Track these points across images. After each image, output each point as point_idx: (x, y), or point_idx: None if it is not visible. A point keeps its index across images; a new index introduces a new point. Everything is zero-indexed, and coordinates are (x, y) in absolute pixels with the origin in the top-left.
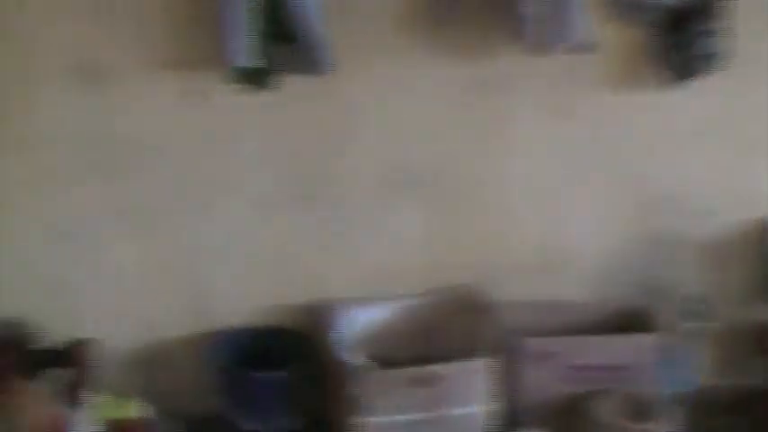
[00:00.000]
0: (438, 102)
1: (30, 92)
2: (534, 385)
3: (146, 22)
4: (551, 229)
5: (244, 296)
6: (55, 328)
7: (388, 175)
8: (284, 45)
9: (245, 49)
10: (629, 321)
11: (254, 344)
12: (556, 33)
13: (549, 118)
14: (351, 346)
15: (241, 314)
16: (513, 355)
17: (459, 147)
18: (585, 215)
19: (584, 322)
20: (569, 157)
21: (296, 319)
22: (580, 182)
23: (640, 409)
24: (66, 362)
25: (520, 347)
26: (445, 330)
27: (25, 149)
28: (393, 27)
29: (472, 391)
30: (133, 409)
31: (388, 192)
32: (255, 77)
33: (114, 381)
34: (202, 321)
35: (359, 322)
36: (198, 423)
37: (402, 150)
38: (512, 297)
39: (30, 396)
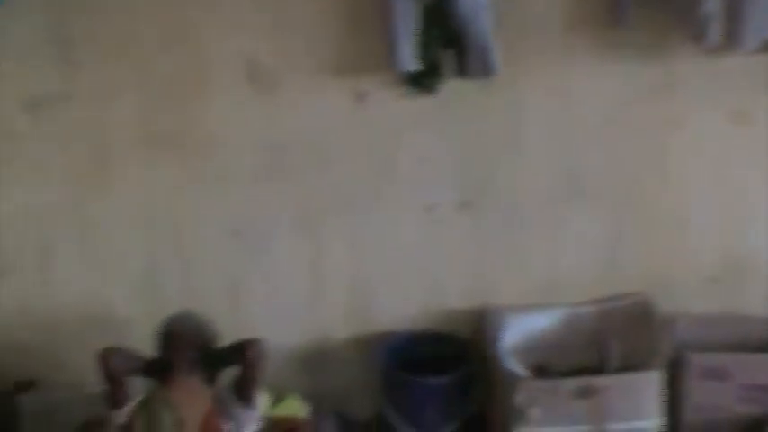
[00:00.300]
0: (610, 105)
1: (207, 98)
2: (703, 404)
3: (314, 28)
4: (730, 238)
5: (408, 300)
6: (226, 324)
7: (559, 181)
8: (451, 49)
9: (413, 53)
10: None
11: (417, 348)
12: (739, 32)
13: (727, 121)
14: (514, 354)
15: (405, 317)
16: (683, 370)
17: (633, 152)
18: (766, 224)
19: (765, 338)
20: (748, 163)
21: (459, 325)
22: (759, 189)
23: None
24: (236, 360)
25: (690, 363)
26: (614, 341)
27: (203, 153)
28: (563, 29)
29: (638, 405)
30: (294, 408)
31: (559, 198)
32: (423, 81)
33: (277, 379)
34: (366, 324)
35: (524, 330)
36: (356, 424)
37: (573, 155)
38: (687, 309)
39: (193, 391)
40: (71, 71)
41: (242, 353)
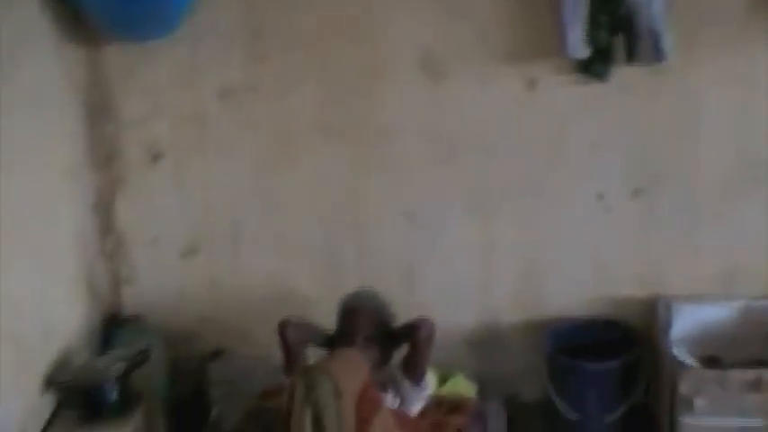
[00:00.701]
0: None
1: (383, 87)
2: None
3: (486, 17)
4: None
5: (577, 286)
6: (399, 304)
7: (736, 169)
8: (621, 35)
9: (582, 39)
10: None
11: (585, 334)
12: None
13: None
14: (684, 344)
15: (574, 303)
16: None
17: None
18: None
19: None
20: None
21: (629, 313)
22: None
23: None
24: (408, 339)
25: None
26: None
27: (379, 139)
28: (741, 12)
29: None
30: (461, 387)
31: (736, 186)
32: (593, 67)
33: (447, 359)
34: (536, 308)
35: (697, 320)
36: (522, 407)
37: (752, 142)
38: None
39: (352, 362)
40: (259, 62)
41: (413, 332)
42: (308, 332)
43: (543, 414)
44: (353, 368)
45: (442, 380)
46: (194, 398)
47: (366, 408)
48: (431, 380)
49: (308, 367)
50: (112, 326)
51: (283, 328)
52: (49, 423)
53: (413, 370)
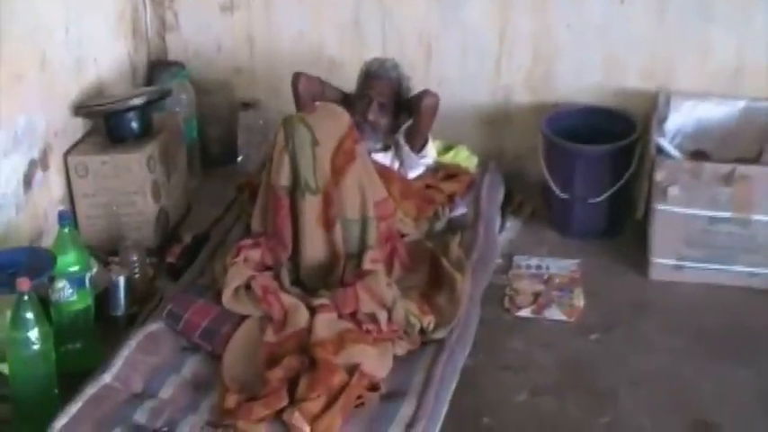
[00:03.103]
0: None
1: None
2: None
3: None
4: None
5: (587, 74)
6: (418, 75)
7: None
8: None
9: None
10: None
11: (588, 120)
12: None
13: None
14: (677, 137)
15: (582, 91)
16: None
17: None
18: None
19: None
20: None
21: (633, 104)
22: None
23: None
24: (413, 108)
25: None
26: None
27: None
28: None
29: None
30: (462, 158)
31: None
32: None
33: (456, 133)
34: (545, 92)
35: (695, 117)
36: (521, 184)
37: None
38: None
39: (333, 115)
40: None
41: (417, 102)
42: (321, 87)
43: (540, 192)
44: (334, 121)
45: (447, 149)
46: (224, 142)
47: (341, 158)
48: (431, 150)
49: (289, 117)
50: (156, 70)
51: (296, 79)
52: (76, 144)
53: (413, 137)
